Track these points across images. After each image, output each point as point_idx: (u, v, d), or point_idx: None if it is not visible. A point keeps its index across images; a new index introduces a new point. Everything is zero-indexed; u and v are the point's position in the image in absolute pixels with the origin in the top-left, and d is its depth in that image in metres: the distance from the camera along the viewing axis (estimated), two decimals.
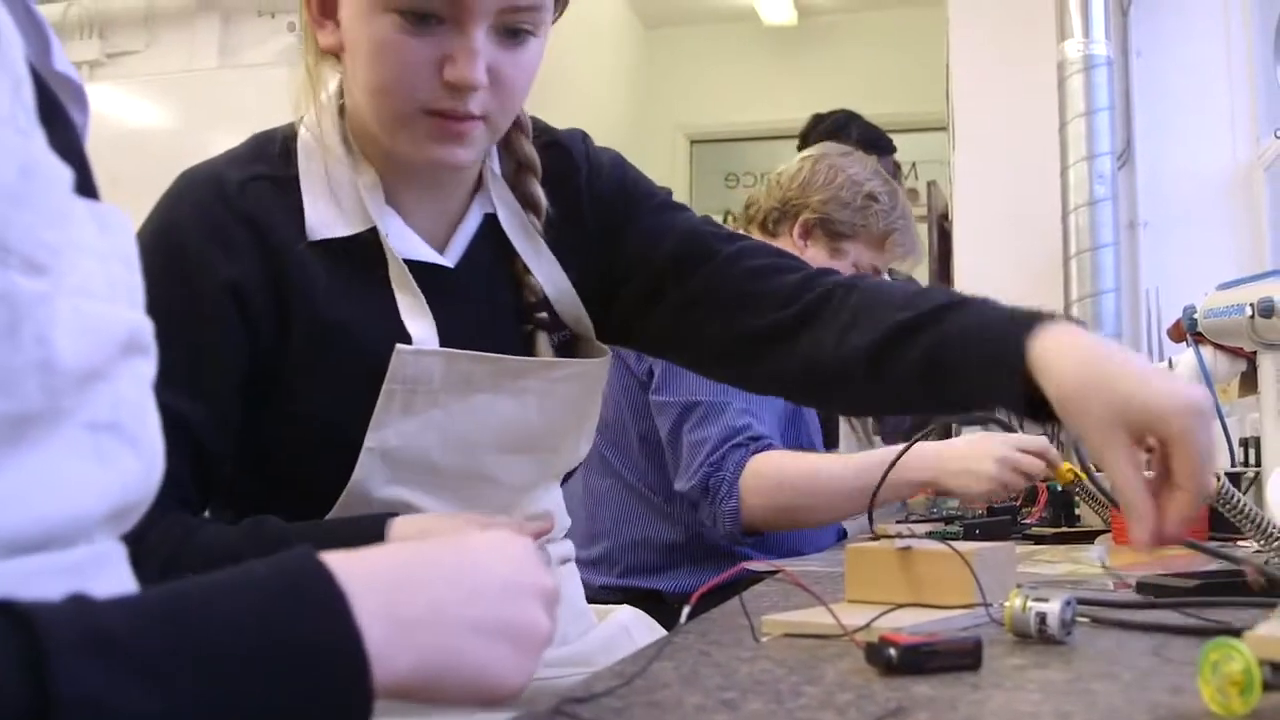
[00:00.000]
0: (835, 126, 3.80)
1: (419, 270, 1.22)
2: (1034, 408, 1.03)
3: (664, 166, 7.39)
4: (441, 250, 1.26)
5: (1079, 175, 3.97)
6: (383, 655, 0.57)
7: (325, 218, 1.19)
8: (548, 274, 1.30)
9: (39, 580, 0.55)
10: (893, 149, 3.85)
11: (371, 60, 1.12)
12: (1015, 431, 1.88)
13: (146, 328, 0.65)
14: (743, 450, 1.95)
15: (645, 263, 1.31)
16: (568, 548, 1.43)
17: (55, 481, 0.57)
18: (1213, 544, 1.50)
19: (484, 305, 1.27)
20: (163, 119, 5.21)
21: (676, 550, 2.09)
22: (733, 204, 7.33)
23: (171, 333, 1.10)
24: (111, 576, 0.62)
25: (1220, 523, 1.68)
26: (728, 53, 7.15)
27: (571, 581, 1.42)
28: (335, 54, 1.20)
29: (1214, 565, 1.28)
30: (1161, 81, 4.43)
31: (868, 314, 1.18)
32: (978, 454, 1.91)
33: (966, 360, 1.08)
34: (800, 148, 3.89)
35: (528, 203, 1.29)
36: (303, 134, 1.24)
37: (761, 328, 1.24)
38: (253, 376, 1.16)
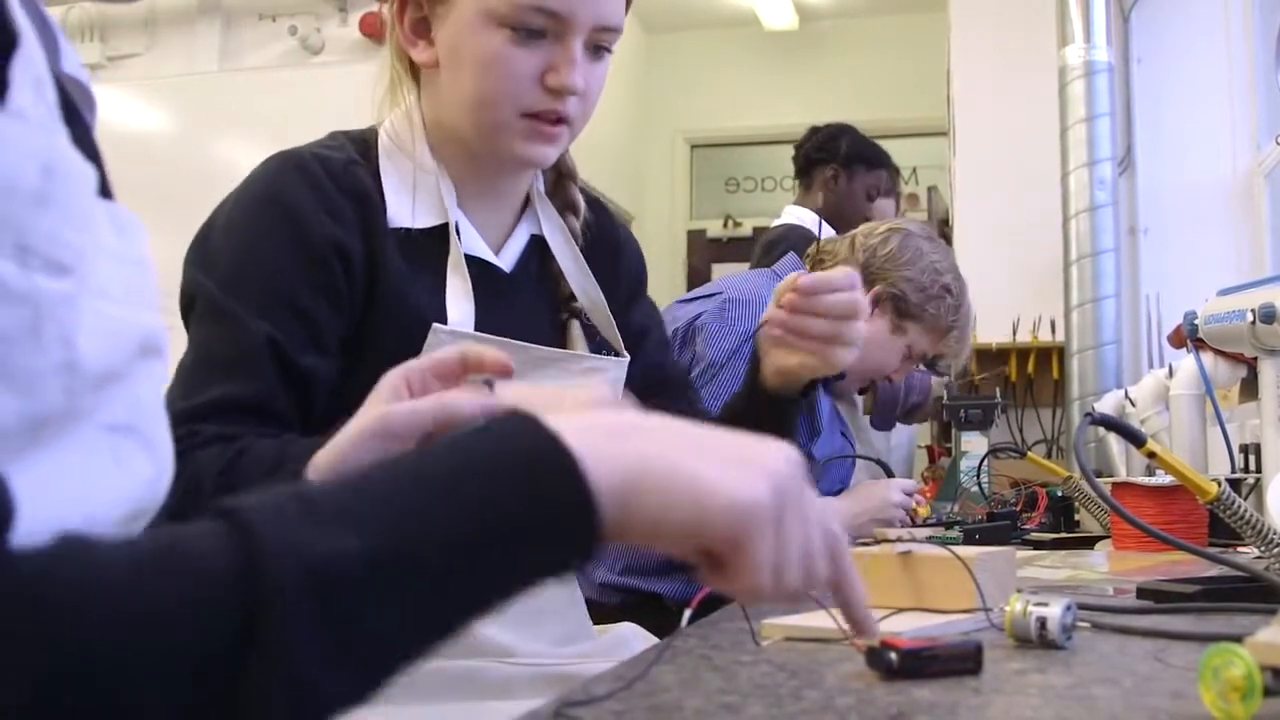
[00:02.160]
0: (826, 139, 3.80)
1: (475, 268, 1.33)
2: None
3: (664, 171, 7.39)
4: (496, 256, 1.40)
5: (1080, 181, 3.97)
6: (592, 457, 0.58)
7: (403, 210, 1.31)
8: (583, 286, 1.43)
9: None
10: (885, 163, 3.85)
11: (480, 70, 1.27)
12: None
13: (161, 331, 0.65)
14: None
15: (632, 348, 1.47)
16: None
17: (73, 484, 0.57)
18: (1213, 550, 1.50)
19: (526, 310, 1.39)
20: (163, 122, 5.21)
21: None
22: (732, 208, 7.34)
23: (278, 279, 1.20)
24: None
25: (1221, 529, 1.68)
26: (728, 57, 7.15)
27: (569, 588, 1.44)
28: (426, 68, 1.34)
29: (1214, 570, 1.29)
30: (1162, 87, 4.43)
31: None
32: (879, 504, 2.12)
33: None
34: (795, 159, 3.90)
35: (567, 205, 1.46)
36: (383, 136, 1.36)
37: None
38: (340, 335, 1.25)
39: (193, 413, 1.14)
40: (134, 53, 5.29)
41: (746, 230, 7.08)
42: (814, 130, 3.90)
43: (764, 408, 1.45)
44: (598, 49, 1.30)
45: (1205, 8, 4.40)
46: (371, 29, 5.08)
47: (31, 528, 0.53)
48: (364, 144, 1.35)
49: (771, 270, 2.41)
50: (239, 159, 5.12)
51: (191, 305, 1.24)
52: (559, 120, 1.29)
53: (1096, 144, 3.96)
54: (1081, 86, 3.99)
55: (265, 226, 1.25)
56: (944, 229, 4.98)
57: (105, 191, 0.64)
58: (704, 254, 7.21)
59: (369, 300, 1.27)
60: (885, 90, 6.45)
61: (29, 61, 0.55)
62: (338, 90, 5.01)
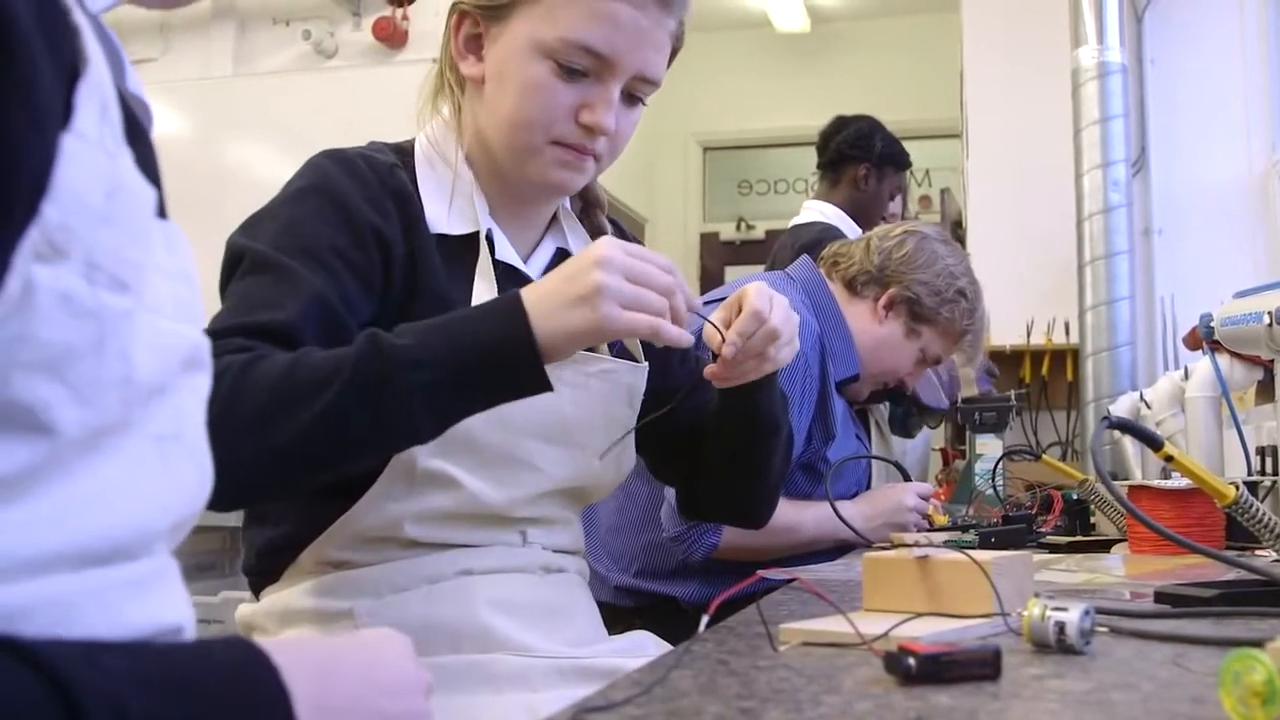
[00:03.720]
0: (859, 136, 3.76)
1: (504, 274, 1.38)
2: None
3: (677, 173, 7.39)
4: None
5: (1093, 182, 3.97)
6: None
7: (440, 216, 1.36)
8: None
9: (106, 595, 0.58)
10: (909, 163, 3.84)
11: (521, 95, 1.32)
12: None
13: (204, 345, 0.68)
14: None
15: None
16: (583, 565, 1.50)
17: (125, 492, 0.60)
18: (1230, 553, 1.49)
19: None
20: (178, 126, 5.23)
21: (709, 560, 2.10)
22: (745, 211, 7.34)
23: (324, 247, 1.24)
24: (169, 591, 0.65)
25: (1238, 532, 1.68)
26: (740, 60, 7.16)
27: (584, 594, 1.47)
28: (473, 82, 1.39)
29: (1232, 574, 1.28)
30: (1176, 88, 4.43)
31: None
32: (894, 508, 2.15)
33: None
34: (820, 150, 3.86)
35: (596, 233, 1.51)
36: (421, 143, 1.42)
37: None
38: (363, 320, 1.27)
39: (219, 332, 1.15)
40: (149, 57, 5.31)
41: (760, 233, 7.08)
42: (842, 121, 3.86)
43: (739, 403, 1.47)
44: (633, 97, 1.36)
45: (1219, 8, 4.39)
46: (384, 33, 5.09)
47: (87, 537, 0.57)
48: (403, 152, 1.40)
49: (785, 273, 2.40)
50: (253, 162, 5.18)
51: (235, 266, 1.25)
52: (587, 153, 1.35)
53: (1110, 145, 3.96)
54: (1095, 88, 3.98)
55: (312, 207, 1.29)
56: (957, 231, 4.97)
57: (161, 211, 0.67)
58: (718, 257, 7.22)
59: (411, 296, 1.31)
60: (898, 92, 6.44)
61: (96, 85, 0.58)
62: (351, 94, 5.08)
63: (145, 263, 0.61)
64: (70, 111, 0.56)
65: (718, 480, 1.58)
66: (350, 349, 1.11)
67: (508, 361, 1.13)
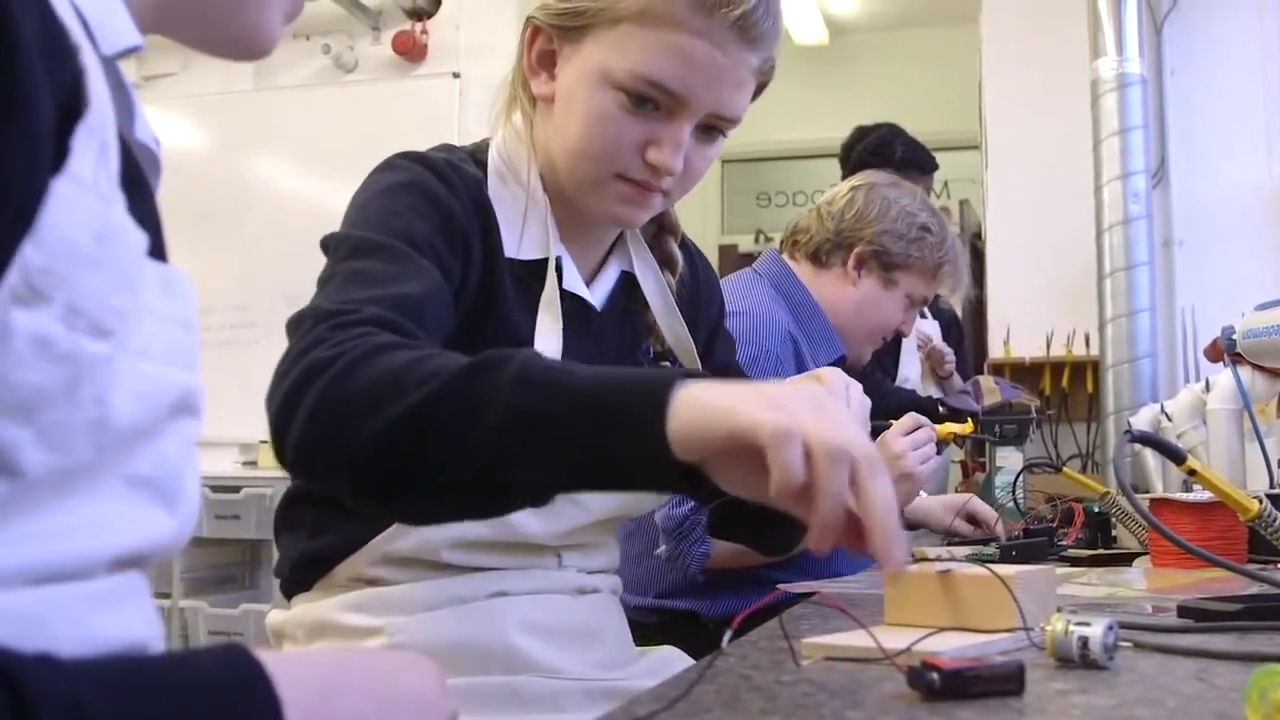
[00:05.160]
0: (879, 143, 3.76)
1: (568, 302, 1.33)
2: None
3: (695, 187, 7.39)
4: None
5: (1113, 194, 3.96)
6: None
7: (511, 238, 1.30)
8: (673, 327, 1.43)
9: (71, 608, 0.58)
10: (935, 166, 3.84)
11: (586, 125, 1.25)
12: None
13: (197, 391, 0.67)
14: None
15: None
16: (616, 582, 1.47)
17: (91, 529, 0.60)
18: (1253, 567, 1.49)
19: (613, 347, 1.39)
20: (199, 140, 5.26)
21: (712, 572, 2.09)
22: (764, 223, 7.33)
23: (422, 242, 1.17)
24: (136, 606, 0.65)
25: (1260, 545, 1.67)
26: None
27: (616, 613, 1.45)
28: (542, 101, 1.32)
29: (1255, 588, 1.28)
30: (1196, 99, 4.41)
31: None
32: (888, 464, 2.05)
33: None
34: (843, 160, 3.86)
35: (665, 261, 1.46)
36: (493, 156, 1.35)
37: None
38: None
39: (348, 303, 1.05)
40: (170, 72, 5.33)
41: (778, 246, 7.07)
42: (863, 131, 3.86)
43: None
44: (710, 129, 1.30)
45: (1238, 18, 4.38)
46: (404, 47, 5.11)
47: (45, 561, 0.57)
48: (480, 163, 1.33)
49: (752, 270, 2.40)
50: (274, 176, 5.20)
51: (335, 251, 1.16)
52: (653, 189, 1.29)
53: (1130, 156, 3.95)
54: (1114, 99, 3.98)
55: (409, 202, 1.21)
56: (976, 242, 4.96)
57: (160, 253, 0.68)
58: (736, 269, 7.20)
59: (483, 316, 1.26)
60: (917, 104, 6.42)
61: (94, 129, 0.58)
62: (371, 108, 5.10)
63: (132, 307, 0.60)
64: (66, 153, 0.56)
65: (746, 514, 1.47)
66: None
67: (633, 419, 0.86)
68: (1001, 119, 4.64)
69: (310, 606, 1.32)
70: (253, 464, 4.98)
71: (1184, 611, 1.17)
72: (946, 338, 3.88)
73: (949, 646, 0.93)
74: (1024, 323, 4.36)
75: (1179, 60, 4.45)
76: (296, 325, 1.03)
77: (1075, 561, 1.91)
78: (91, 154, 0.58)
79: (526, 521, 1.28)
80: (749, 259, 2.52)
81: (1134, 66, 3.99)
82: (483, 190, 1.29)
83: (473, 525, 1.26)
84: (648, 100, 1.23)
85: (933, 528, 2.53)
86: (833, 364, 2.23)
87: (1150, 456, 2.95)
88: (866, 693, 0.84)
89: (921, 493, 2.20)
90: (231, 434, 4.66)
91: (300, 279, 1.39)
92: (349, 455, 0.92)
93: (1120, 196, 3.94)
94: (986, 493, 2.78)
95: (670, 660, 1.43)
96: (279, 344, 1.03)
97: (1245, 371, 2.29)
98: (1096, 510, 2.13)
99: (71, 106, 0.57)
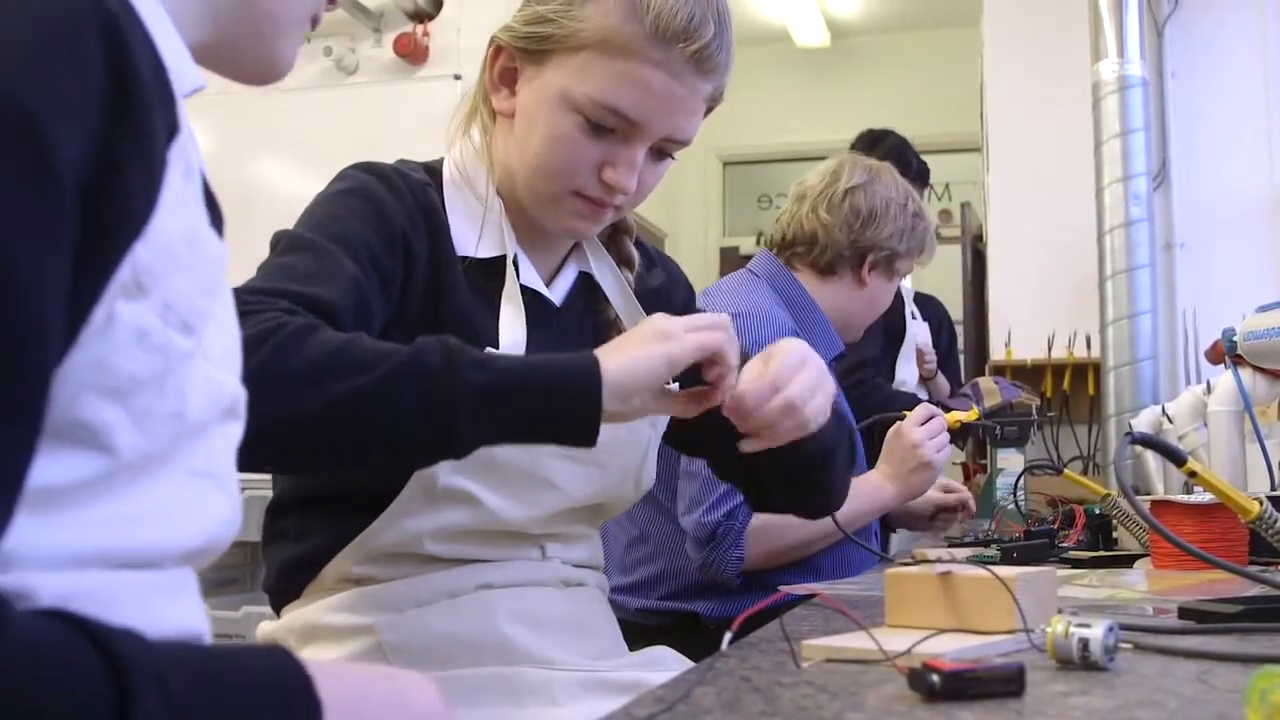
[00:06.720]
0: (896, 153, 3.72)
1: (527, 298, 1.37)
2: None
3: (696, 188, 7.40)
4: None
5: (1114, 196, 3.95)
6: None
7: (466, 240, 1.35)
8: (635, 319, 1.45)
9: (139, 594, 0.64)
10: (929, 179, 3.88)
11: (545, 144, 1.32)
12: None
13: (242, 397, 0.74)
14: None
15: None
16: (603, 579, 1.50)
17: (166, 514, 0.65)
18: (1253, 568, 1.49)
19: (574, 344, 1.38)
20: (200, 142, 5.24)
21: (748, 575, 2.10)
22: (765, 225, 7.32)
23: (360, 241, 1.23)
24: (192, 600, 0.70)
25: (1261, 547, 1.67)
26: (760, 74, 7.15)
27: (604, 609, 1.47)
28: (503, 116, 1.38)
29: (1255, 590, 1.28)
30: (1197, 101, 4.41)
31: None
32: (905, 456, 2.13)
33: None
34: None
35: (622, 259, 1.51)
36: (449, 168, 1.41)
37: None
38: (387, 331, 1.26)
39: (266, 291, 1.12)
40: None
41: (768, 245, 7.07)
42: (872, 137, 3.85)
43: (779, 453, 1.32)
44: (662, 153, 1.36)
45: (1239, 20, 4.38)
46: (406, 49, 5.11)
47: (127, 547, 0.63)
48: (433, 172, 1.40)
49: (748, 270, 2.41)
50: (275, 178, 5.20)
51: (274, 247, 1.24)
52: (606, 206, 1.34)
53: (1131, 159, 3.95)
54: (1116, 101, 3.97)
55: (351, 206, 1.28)
56: (978, 244, 4.96)
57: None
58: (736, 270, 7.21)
59: (435, 314, 1.30)
60: (918, 106, 6.43)
61: (184, 150, 0.65)
62: (372, 109, 5.10)
63: (209, 312, 0.67)
64: (165, 165, 0.63)
65: (779, 483, 1.52)
66: (416, 341, 1.07)
67: (574, 391, 1.07)
68: (1003, 121, 4.63)
69: (300, 612, 1.33)
70: None
71: (1185, 613, 1.17)
72: (937, 340, 3.89)
73: (949, 648, 0.93)
74: (1025, 325, 4.36)
75: (1180, 63, 4.45)
76: None
77: (1076, 563, 1.91)
78: (180, 170, 0.65)
79: (504, 507, 1.30)
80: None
81: (1135, 69, 3.99)
82: (430, 194, 1.34)
83: (453, 514, 1.28)
84: (605, 124, 1.29)
85: (914, 525, 2.58)
86: (832, 361, 2.24)
87: (1151, 458, 2.95)
88: (867, 694, 0.84)
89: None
90: None
91: None
92: (283, 429, 1.02)
93: (1121, 199, 3.94)
94: (988, 494, 2.79)
95: (663, 656, 1.43)
96: None
97: (1246, 373, 2.29)
98: (1097, 512, 2.13)
99: (171, 126, 0.64)
